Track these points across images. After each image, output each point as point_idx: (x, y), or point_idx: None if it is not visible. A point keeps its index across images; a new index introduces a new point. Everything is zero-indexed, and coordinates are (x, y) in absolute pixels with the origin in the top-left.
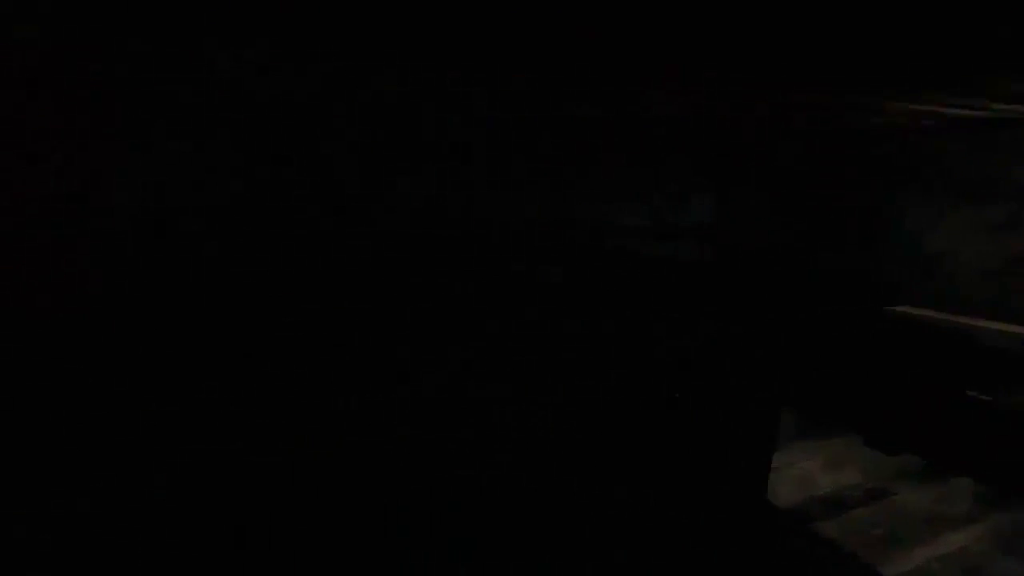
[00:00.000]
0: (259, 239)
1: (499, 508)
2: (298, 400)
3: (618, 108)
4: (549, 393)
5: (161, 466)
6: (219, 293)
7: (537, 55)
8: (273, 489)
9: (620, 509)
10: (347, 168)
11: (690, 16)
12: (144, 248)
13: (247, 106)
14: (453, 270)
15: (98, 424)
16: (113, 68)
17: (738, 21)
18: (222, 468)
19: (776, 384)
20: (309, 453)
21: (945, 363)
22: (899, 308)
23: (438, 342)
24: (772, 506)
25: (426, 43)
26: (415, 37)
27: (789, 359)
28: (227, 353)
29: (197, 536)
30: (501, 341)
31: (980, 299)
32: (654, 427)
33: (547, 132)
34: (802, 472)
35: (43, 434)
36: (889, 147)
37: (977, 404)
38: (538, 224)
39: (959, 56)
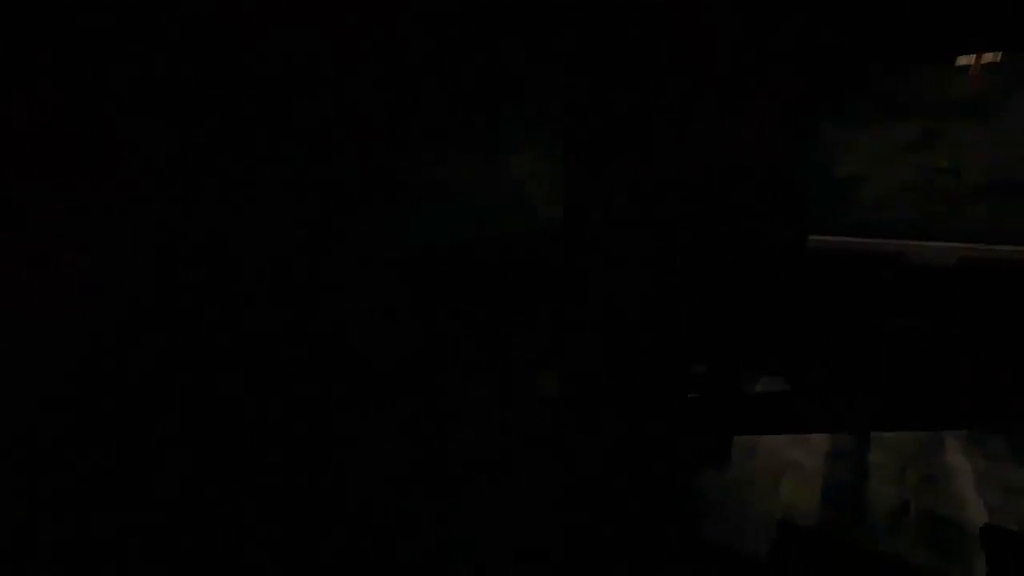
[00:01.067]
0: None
1: (497, 506)
2: (295, 401)
3: None
4: None
5: (161, 466)
6: (216, 297)
7: None
8: (271, 490)
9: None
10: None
11: None
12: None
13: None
14: None
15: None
16: None
17: None
18: (220, 467)
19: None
20: (307, 453)
21: (870, 289)
22: (816, 238)
23: None
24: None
25: None
26: None
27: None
28: (222, 355)
29: (197, 536)
30: None
31: (899, 220)
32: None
33: None
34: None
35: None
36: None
37: (904, 331)
38: None
39: None
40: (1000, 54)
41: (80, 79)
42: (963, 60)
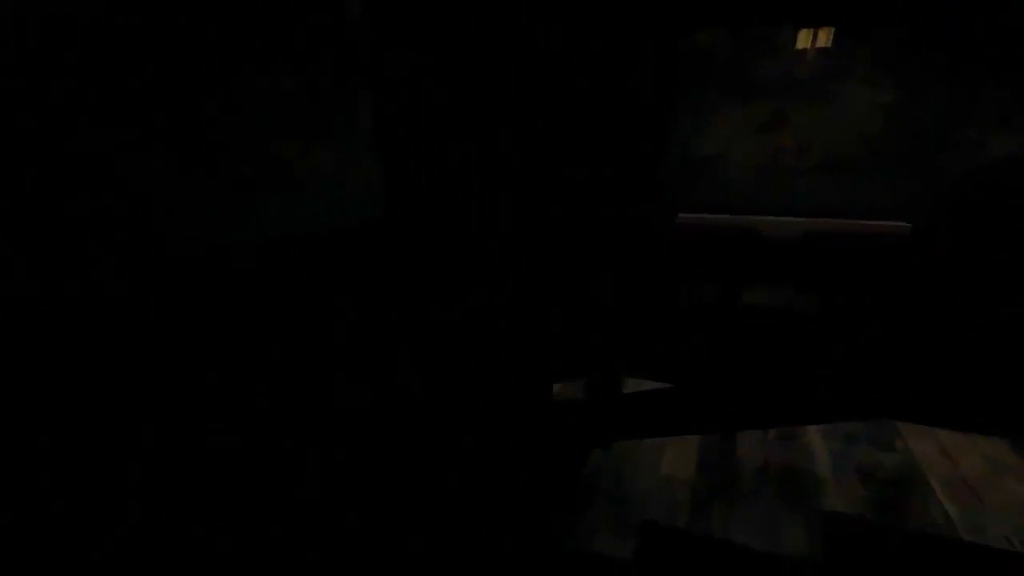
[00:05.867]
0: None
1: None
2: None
3: None
4: None
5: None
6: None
7: None
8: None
9: None
10: None
11: None
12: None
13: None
14: None
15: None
16: None
17: None
18: (220, 467)
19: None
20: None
21: (731, 261)
22: (685, 215)
23: None
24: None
25: None
26: None
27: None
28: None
29: (196, 535)
30: None
31: (753, 196)
32: None
33: None
34: None
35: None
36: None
37: (758, 308)
38: None
39: None
40: (831, 39)
41: None
42: (801, 44)
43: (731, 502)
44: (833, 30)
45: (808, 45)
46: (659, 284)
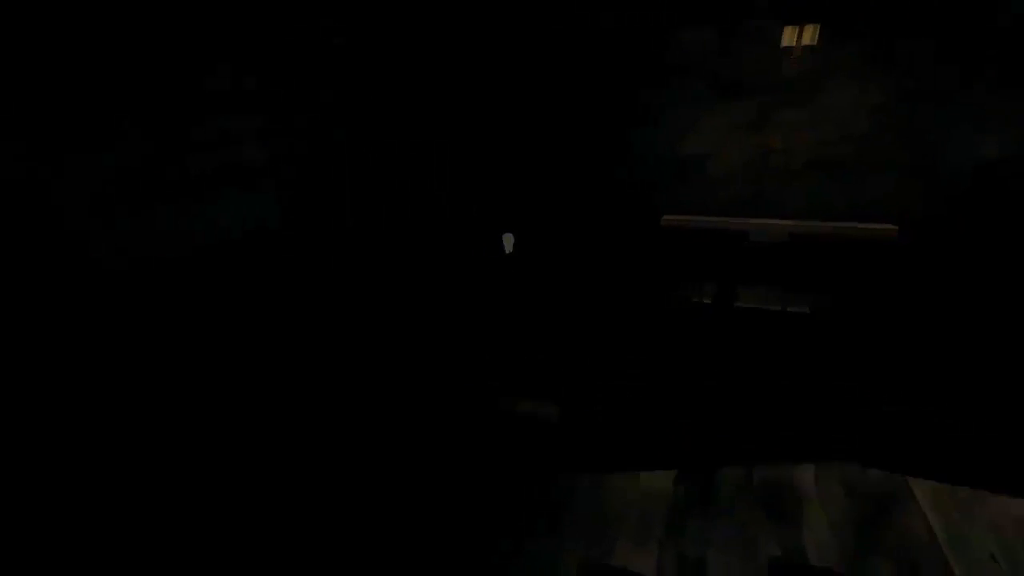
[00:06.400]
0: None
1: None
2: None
3: None
4: None
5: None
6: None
7: None
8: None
9: None
10: None
11: None
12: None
13: None
14: None
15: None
16: None
17: None
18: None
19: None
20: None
21: (717, 265)
22: (669, 218)
23: None
24: None
25: None
26: None
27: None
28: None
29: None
30: None
31: (739, 197)
32: None
33: None
34: None
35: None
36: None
37: (747, 311)
38: None
39: None
40: (818, 36)
41: None
42: (786, 41)
43: (709, 517)
44: (819, 27)
45: (794, 42)
46: (640, 286)
